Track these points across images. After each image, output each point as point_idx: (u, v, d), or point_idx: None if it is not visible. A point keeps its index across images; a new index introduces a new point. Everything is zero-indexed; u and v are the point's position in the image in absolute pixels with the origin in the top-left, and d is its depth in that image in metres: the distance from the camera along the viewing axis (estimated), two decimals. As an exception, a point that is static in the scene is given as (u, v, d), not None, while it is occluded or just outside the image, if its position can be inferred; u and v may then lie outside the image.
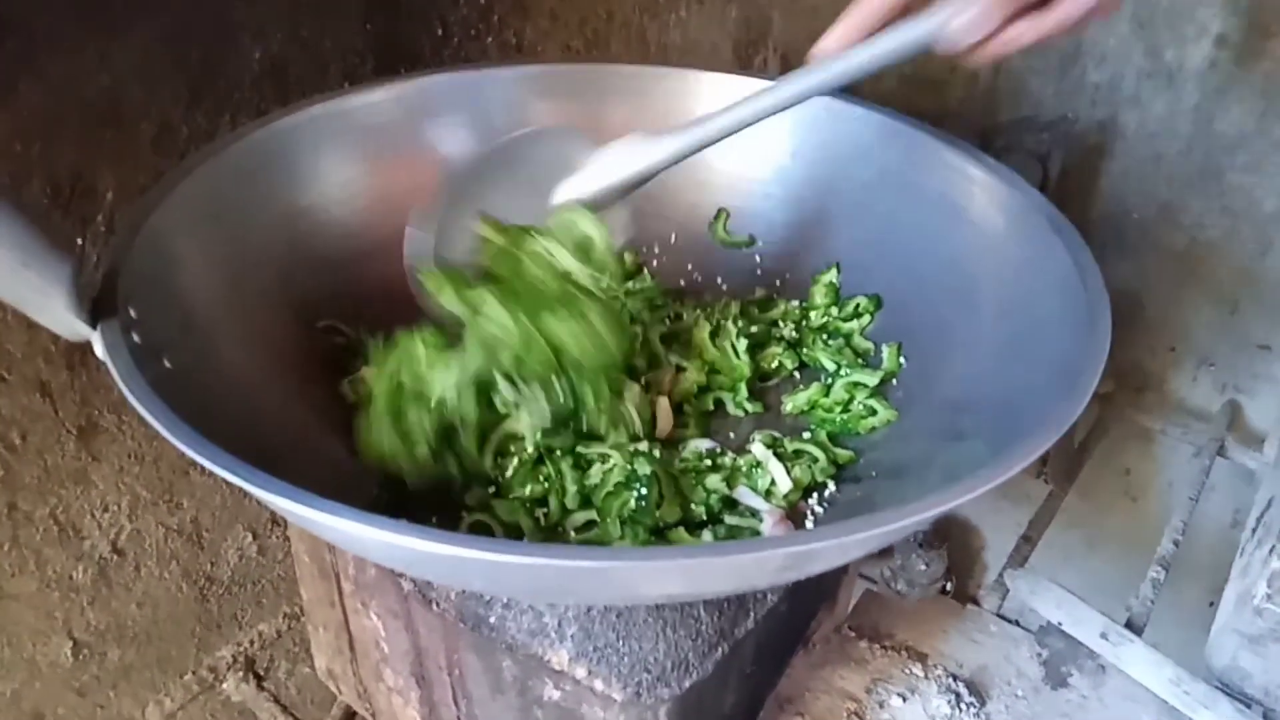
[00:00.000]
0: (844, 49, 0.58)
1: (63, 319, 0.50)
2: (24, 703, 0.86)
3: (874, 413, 0.67)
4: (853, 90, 0.78)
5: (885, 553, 0.84)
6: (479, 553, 0.40)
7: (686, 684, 0.57)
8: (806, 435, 0.67)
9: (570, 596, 0.56)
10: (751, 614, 0.61)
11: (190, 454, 0.44)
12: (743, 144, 0.80)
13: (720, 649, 0.59)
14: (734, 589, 0.58)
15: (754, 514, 0.61)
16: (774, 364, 0.74)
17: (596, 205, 0.65)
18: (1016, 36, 0.55)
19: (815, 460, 0.64)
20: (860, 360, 0.73)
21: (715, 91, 0.81)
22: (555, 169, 0.66)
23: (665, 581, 0.45)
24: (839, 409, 0.68)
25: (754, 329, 0.74)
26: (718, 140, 0.63)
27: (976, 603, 0.94)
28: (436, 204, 0.64)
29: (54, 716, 0.88)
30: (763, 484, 0.62)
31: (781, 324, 0.76)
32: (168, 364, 0.52)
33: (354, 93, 0.75)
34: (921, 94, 1.16)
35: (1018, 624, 0.88)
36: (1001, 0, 0.53)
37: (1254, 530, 0.84)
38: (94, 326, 0.50)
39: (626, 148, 0.65)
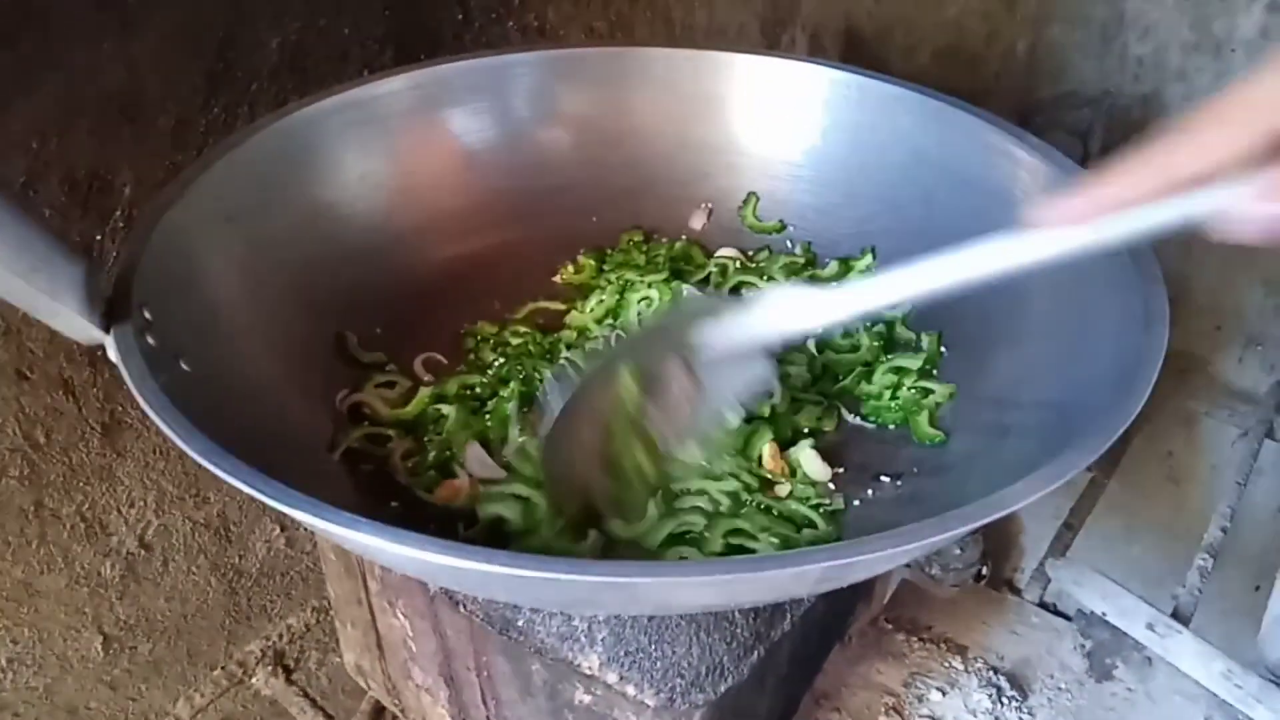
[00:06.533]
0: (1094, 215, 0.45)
1: (75, 323, 0.48)
2: (57, 697, 0.86)
3: (928, 392, 0.64)
4: (883, 67, 0.76)
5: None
6: (506, 568, 0.38)
7: (721, 689, 0.55)
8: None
9: (602, 609, 0.55)
10: (788, 615, 0.59)
11: (202, 462, 0.42)
12: (772, 124, 0.78)
13: (756, 652, 0.57)
14: (772, 600, 0.56)
15: None
16: None
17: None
18: None
19: None
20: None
21: (745, 74, 0.78)
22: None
23: (698, 596, 0.43)
24: (888, 395, 0.66)
25: None
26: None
27: (1013, 588, 0.91)
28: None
29: (86, 711, 0.89)
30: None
31: None
32: (185, 367, 0.51)
33: (373, 82, 0.72)
34: (956, 70, 1.12)
35: (1059, 613, 0.86)
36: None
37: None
38: (107, 330, 0.49)
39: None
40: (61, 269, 0.48)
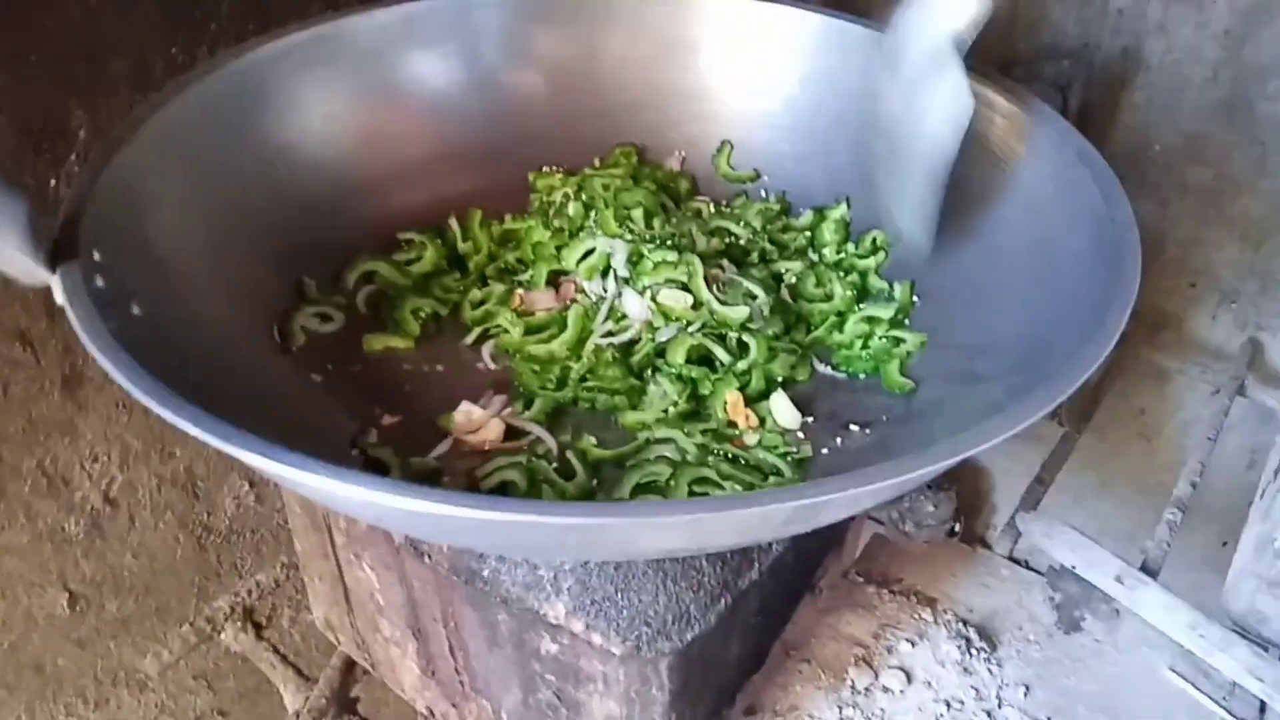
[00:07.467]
0: None
1: (18, 261, 0.46)
2: (22, 655, 0.85)
3: (899, 342, 0.64)
4: (863, 14, 0.74)
5: (893, 496, 0.82)
6: (469, 511, 0.37)
7: (688, 637, 0.55)
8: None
9: (569, 553, 0.54)
10: (756, 564, 0.59)
11: (151, 406, 0.41)
12: (748, 71, 0.77)
13: (723, 601, 0.57)
14: (737, 544, 0.56)
15: None
16: None
17: None
18: None
19: None
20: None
21: (721, 17, 0.77)
22: None
23: (664, 537, 0.42)
24: (859, 344, 0.65)
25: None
26: None
27: (986, 545, 0.92)
28: None
29: (54, 668, 0.88)
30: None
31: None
32: (137, 311, 0.49)
33: (337, 19, 0.70)
34: (935, 20, 1.10)
35: (1029, 567, 0.86)
36: None
37: (1276, 472, 0.81)
38: (53, 270, 0.47)
39: None
40: (3, 203, 0.46)
